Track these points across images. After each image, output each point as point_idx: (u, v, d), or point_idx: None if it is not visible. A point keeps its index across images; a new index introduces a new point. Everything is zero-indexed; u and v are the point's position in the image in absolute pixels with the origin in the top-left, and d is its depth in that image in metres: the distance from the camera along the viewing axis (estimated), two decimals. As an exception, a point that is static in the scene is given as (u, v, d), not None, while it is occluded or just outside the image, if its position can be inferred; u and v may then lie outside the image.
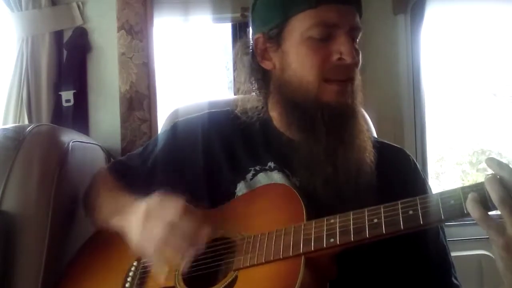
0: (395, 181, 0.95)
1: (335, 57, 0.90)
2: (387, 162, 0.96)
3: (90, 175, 1.14)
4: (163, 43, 1.78)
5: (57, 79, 1.54)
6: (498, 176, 0.68)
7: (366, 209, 0.75)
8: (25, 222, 0.98)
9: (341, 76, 0.92)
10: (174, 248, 0.81)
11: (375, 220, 0.73)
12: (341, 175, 0.89)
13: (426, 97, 1.82)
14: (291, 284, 0.72)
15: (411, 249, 0.88)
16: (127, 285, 0.90)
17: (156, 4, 1.60)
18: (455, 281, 0.94)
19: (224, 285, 0.80)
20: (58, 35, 1.56)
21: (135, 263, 0.93)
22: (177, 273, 0.85)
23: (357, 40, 0.94)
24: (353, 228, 0.74)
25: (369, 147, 0.94)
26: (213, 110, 1.10)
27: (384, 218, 0.73)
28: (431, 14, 1.76)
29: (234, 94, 1.15)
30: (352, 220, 0.75)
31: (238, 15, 1.69)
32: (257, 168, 0.96)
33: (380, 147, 0.97)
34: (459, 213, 0.69)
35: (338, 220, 0.76)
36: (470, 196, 0.68)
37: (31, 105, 1.51)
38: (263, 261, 0.78)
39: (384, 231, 0.72)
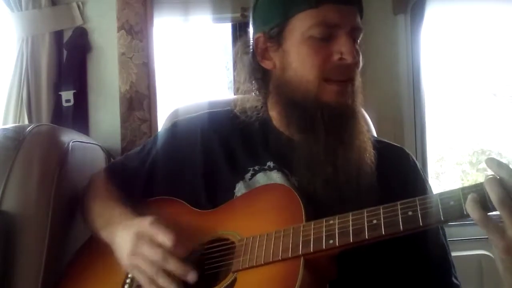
0: (395, 182, 0.95)
1: (336, 57, 0.90)
2: (387, 163, 0.96)
3: (90, 175, 1.14)
4: (163, 43, 1.78)
5: (57, 79, 1.54)
6: (497, 177, 0.68)
7: (365, 210, 0.75)
8: (25, 222, 0.98)
9: (341, 76, 0.92)
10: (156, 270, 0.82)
11: (374, 221, 0.73)
12: (341, 176, 0.89)
13: (426, 97, 1.82)
14: (290, 285, 0.72)
15: (411, 249, 0.88)
16: (126, 286, 0.90)
17: (156, 4, 1.60)
18: (455, 281, 0.93)
19: (223, 287, 0.80)
20: (58, 35, 1.56)
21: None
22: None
23: (358, 40, 0.94)
24: (352, 229, 0.74)
25: (369, 147, 0.94)
26: (213, 110, 1.10)
27: (384, 219, 0.73)
28: (431, 14, 1.76)
29: (234, 94, 1.15)
30: (351, 221, 0.75)
31: (238, 15, 1.69)
32: (256, 168, 0.96)
33: (380, 147, 0.97)
34: (459, 214, 0.69)
35: (337, 221, 0.76)
36: (469, 197, 0.68)
37: (31, 105, 1.51)
38: (262, 262, 0.78)
39: (383, 232, 0.72)
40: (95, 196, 1.05)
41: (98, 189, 1.07)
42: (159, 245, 0.83)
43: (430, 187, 1.02)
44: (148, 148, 1.09)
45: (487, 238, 0.69)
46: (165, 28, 1.82)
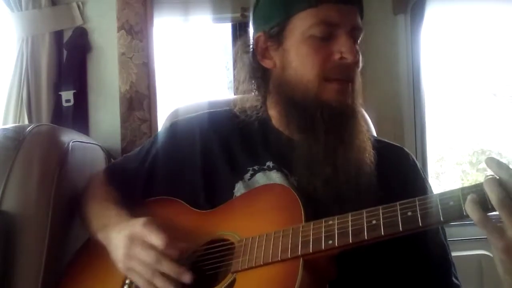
0: (395, 181, 0.95)
1: (336, 56, 0.90)
2: (387, 162, 0.96)
3: (90, 175, 1.14)
4: (163, 43, 1.78)
5: (57, 79, 1.54)
6: (497, 177, 0.68)
7: (364, 211, 0.75)
8: (25, 222, 0.98)
9: (342, 75, 0.92)
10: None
11: (374, 222, 0.73)
12: (340, 175, 0.89)
13: (426, 97, 1.82)
14: (289, 286, 0.72)
15: (410, 248, 0.87)
16: (125, 287, 0.90)
17: (156, 4, 1.60)
18: (455, 281, 0.93)
19: (223, 287, 0.80)
20: (58, 35, 1.56)
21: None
22: None
23: (358, 41, 0.94)
24: (351, 230, 0.74)
25: (368, 147, 0.94)
26: (212, 110, 1.10)
27: (383, 219, 0.72)
28: (431, 14, 1.76)
29: (234, 94, 1.15)
30: (351, 221, 0.75)
31: (238, 15, 1.69)
32: (255, 168, 0.96)
33: (379, 146, 0.97)
34: (458, 215, 0.69)
35: (336, 221, 0.76)
36: (469, 197, 0.68)
37: (31, 105, 1.51)
38: (262, 263, 0.78)
39: (382, 233, 0.72)
40: (93, 197, 1.05)
41: (96, 190, 1.07)
42: (152, 247, 0.83)
43: (430, 186, 1.02)
44: (147, 148, 1.09)
45: (487, 238, 0.69)
46: (165, 28, 1.82)
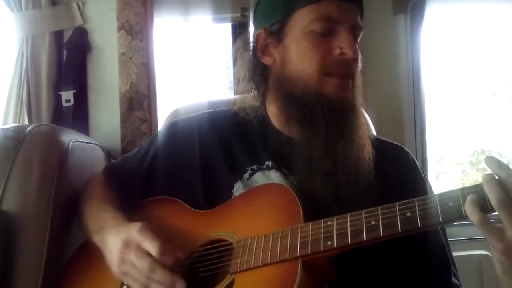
0: (395, 180, 0.95)
1: (337, 51, 0.90)
2: (387, 161, 0.96)
3: (90, 175, 1.14)
4: (163, 43, 1.78)
5: (57, 79, 1.54)
6: (496, 177, 0.68)
7: (363, 211, 0.75)
8: (25, 222, 0.98)
9: (342, 70, 0.91)
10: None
11: (373, 222, 0.73)
12: (340, 174, 0.89)
13: (426, 97, 1.82)
14: (288, 287, 0.72)
15: (410, 249, 0.87)
16: (124, 287, 0.90)
17: (156, 4, 1.60)
18: (455, 281, 0.93)
19: (221, 288, 0.80)
20: (58, 35, 1.56)
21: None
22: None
23: (358, 39, 0.94)
24: (350, 231, 0.74)
25: (367, 145, 0.94)
26: (212, 110, 1.10)
27: (382, 220, 0.72)
28: (431, 14, 1.76)
29: (234, 94, 1.15)
30: (350, 222, 0.75)
31: (238, 15, 1.69)
32: (254, 167, 0.96)
33: (379, 145, 0.96)
34: (458, 216, 0.68)
35: (335, 222, 0.76)
36: (469, 198, 0.68)
37: (31, 105, 1.51)
38: (260, 264, 0.77)
39: (381, 234, 0.71)
40: (90, 199, 1.05)
41: (93, 191, 1.07)
42: (147, 254, 0.83)
43: (430, 185, 1.02)
44: (145, 149, 1.09)
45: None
46: (165, 28, 1.82)
